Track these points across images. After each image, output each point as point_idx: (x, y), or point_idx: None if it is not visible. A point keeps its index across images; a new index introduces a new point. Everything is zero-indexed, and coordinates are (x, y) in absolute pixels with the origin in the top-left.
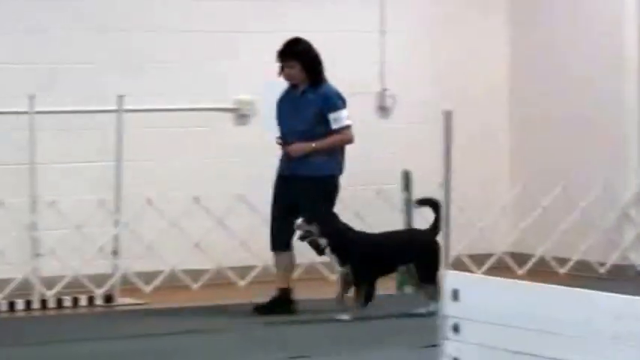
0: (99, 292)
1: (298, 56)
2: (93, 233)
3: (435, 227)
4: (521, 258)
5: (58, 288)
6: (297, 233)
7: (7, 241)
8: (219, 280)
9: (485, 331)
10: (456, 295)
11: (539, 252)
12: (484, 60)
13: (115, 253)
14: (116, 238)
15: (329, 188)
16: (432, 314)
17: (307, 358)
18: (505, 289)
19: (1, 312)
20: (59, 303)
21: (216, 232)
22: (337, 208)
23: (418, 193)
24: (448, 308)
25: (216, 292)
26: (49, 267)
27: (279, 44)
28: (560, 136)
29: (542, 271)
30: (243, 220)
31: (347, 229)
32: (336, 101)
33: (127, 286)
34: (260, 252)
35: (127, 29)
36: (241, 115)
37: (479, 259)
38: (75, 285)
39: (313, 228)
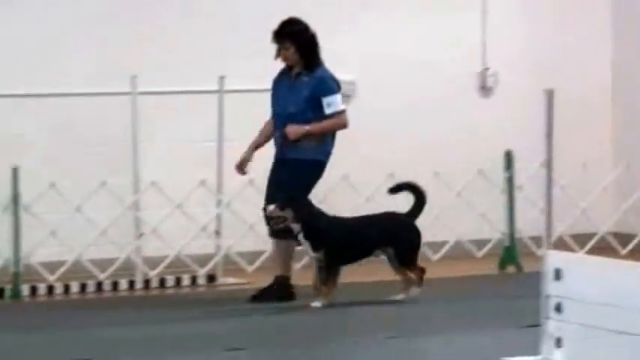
0: (201, 272)
1: (292, 37)
2: (195, 213)
3: (415, 210)
4: (624, 238)
5: (160, 268)
6: (271, 221)
7: (110, 221)
8: None
9: (587, 310)
10: (558, 274)
11: None
12: (586, 38)
13: (217, 232)
14: (218, 218)
15: (311, 173)
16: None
17: (406, 337)
18: (607, 268)
19: (104, 292)
20: (162, 283)
21: None
22: (442, 188)
23: (520, 173)
24: (550, 288)
25: None
26: (152, 247)
27: (383, 24)
28: None
29: None
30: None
31: (321, 214)
32: (330, 85)
33: (230, 266)
34: None
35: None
36: (343, 95)
37: (581, 239)
38: (177, 265)
39: (287, 213)
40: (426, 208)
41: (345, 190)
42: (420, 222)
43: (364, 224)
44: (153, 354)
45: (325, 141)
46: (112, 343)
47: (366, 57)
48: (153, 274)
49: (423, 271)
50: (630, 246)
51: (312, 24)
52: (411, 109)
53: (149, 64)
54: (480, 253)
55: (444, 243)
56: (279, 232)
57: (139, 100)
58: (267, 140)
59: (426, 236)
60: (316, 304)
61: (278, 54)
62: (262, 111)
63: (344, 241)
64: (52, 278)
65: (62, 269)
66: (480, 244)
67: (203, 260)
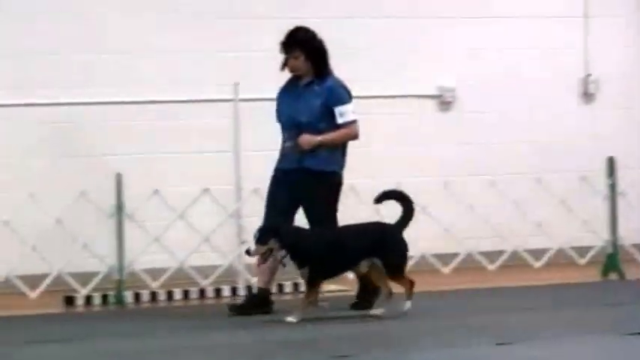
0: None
1: (301, 45)
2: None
3: (403, 220)
4: None
5: None
6: (255, 258)
7: (212, 228)
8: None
9: None
10: None
11: None
12: None
13: None
14: None
15: (334, 184)
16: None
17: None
18: None
19: (207, 298)
20: None
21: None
22: (541, 194)
23: (623, 179)
24: None
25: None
26: None
27: (484, 31)
28: None
29: None
30: (447, 208)
31: (303, 233)
32: (342, 94)
33: None
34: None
35: (324, 17)
36: (444, 101)
37: None
38: (280, 271)
39: (271, 244)
40: (528, 215)
41: (446, 197)
42: (523, 229)
43: (350, 235)
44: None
45: (337, 150)
46: (224, 347)
47: (467, 64)
48: (254, 280)
49: (412, 283)
50: None
51: (415, 32)
52: (512, 115)
53: (250, 71)
54: (583, 261)
55: (546, 250)
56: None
57: (240, 107)
58: None
59: (529, 243)
60: (291, 319)
61: (285, 64)
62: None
63: (327, 255)
64: (155, 285)
65: (165, 276)
66: (583, 251)
67: None
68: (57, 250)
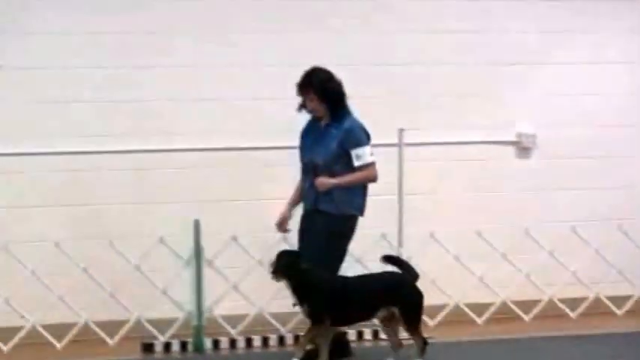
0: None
1: (315, 87)
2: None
3: (412, 271)
4: None
5: None
6: None
7: None
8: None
9: None
10: None
11: None
12: None
13: None
14: None
15: (345, 228)
16: None
17: None
18: None
19: (286, 345)
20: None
21: (500, 266)
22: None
23: None
24: None
25: (503, 327)
26: None
27: (556, 77)
28: None
29: None
30: (528, 255)
31: (309, 270)
32: (359, 136)
33: None
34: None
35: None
36: (523, 148)
37: None
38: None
39: (277, 278)
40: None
41: (526, 243)
42: (560, 278)
43: (367, 283)
44: None
45: (356, 193)
46: None
47: (545, 110)
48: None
49: (425, 342)
50: None
51: (496, 80)
52: (590, 158)
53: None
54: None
55: (583, 299)
56: None
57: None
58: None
59: (566, 293)
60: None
61: (302, 106)
62: (439, 164)
63: (330, 299)
64: (234, 332)
65: (244, 322)
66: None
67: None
68: (135, 296)
